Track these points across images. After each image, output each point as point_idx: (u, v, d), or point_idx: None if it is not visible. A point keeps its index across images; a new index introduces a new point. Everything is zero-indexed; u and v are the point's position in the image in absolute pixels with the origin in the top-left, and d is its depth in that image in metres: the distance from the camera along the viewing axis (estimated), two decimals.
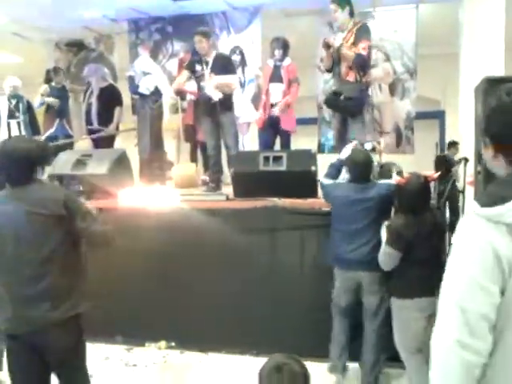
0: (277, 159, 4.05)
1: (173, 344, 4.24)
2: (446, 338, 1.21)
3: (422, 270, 2.93)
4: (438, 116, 9.38)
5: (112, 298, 4.26)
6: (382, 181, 3.40)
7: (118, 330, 4.33)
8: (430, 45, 6.72)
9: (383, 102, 6.43)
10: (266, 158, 4.11)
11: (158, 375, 3.80)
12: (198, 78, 5.06)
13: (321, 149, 6.42)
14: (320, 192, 3.76)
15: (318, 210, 4.15)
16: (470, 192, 4.07)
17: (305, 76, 5.92)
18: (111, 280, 4.26)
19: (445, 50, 7.16)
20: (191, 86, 5.57)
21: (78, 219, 2.30)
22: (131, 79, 5.88)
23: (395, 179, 3.17)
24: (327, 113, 6.41)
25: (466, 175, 4.28)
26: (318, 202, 4.20)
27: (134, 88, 5.85)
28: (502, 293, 1.18)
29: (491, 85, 2.60)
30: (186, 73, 5.16)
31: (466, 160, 4.20)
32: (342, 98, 4.48)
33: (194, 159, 6.18)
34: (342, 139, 4.61)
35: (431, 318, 2.82)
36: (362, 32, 4.50)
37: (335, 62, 4.62)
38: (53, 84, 6.48)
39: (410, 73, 6.30)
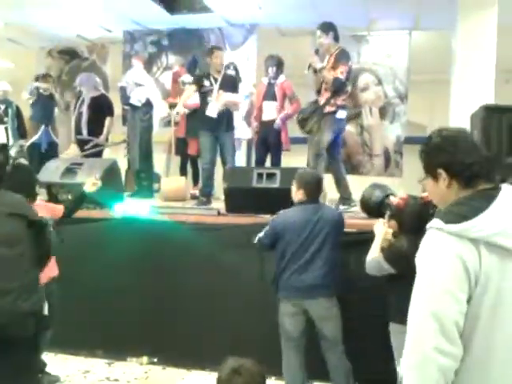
0: (270, 176, 4.04)
1: (155, 360, 4.15)
2: (424, 345, 1.28)
3: None
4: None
5: (93, 311, 4.18)
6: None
7: (99, 343, 4.23)
8: (420, 71, 6.85)
9: (373, 125, 6.51)
10: (260, 175, 4.10)
11: None
12: (205, 94, 5.10)
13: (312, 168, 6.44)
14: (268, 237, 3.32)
15: None
16: None
17: (299, 95, 5.96)
18: (93, 293, 4.18)
19: (435, 77, 7.30)
20: (192, 100, 5.54)
21: None
22: (123, 90, 5.85)
23: (393, 200, 3.14)
24: None
25: None
26: None
27: (125, 99, 5.83)
28: (468, 301, 1.30)
29: (489, 112, 2.64)
30: (192, 87, 5.25)
31: None
32: (299, 118, 4.74)
33: (183, 173, 6.14)
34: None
35: None
36: (341, 56, 4.63)
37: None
38: (40, 90, 6.39)
39: (401, 97, 6.40)
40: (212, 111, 5.00)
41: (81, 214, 4.07)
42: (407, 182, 6.28)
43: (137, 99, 5.70)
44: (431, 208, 3.56)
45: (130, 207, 4.50)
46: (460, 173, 1.41)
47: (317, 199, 3.26)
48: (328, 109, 4.57)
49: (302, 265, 3.11)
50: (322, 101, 4.64)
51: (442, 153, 1.45)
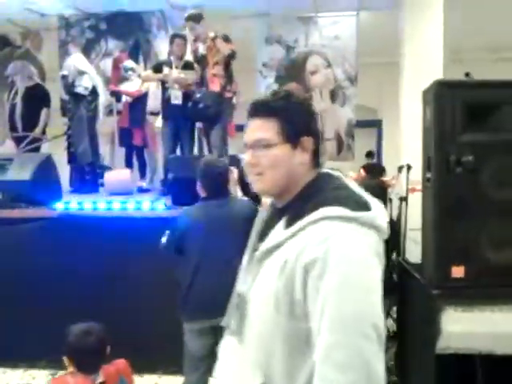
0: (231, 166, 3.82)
1: None
2: (366, 353, 1.01)
3: None
4: (376, 125, 9.55)
5: (33, 318, 3.87)
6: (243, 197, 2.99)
7: (40, 353, 3.92)
8: (369, 53, 6.78)
9: (324, 109, 6.39)
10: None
11: None
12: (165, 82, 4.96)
13: None
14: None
15: None
16: (413, 199, 4.04)
17: (246, 80, 5.75)
18: (32, 300, 3.88)
19: (383, 60, 7.26)
20: (129, 87, 5.34)
21: None
22: (65, 78, 5.48)
23: (351, 176, 3.09)
24: None
25: (408, 182, 4.24)
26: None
27: (68, 88, 5.44)
28: None
29: (441, 87, 2.52)
30: (153, 75, 5.10)
31: (409, 167, 4.17)
32: (200, 106, 4.63)
33: (129, 164, 5.82)
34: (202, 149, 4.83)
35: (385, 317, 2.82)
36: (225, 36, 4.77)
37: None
38: None
39: (351, 80, 6.31)
40: (176, 98, 4.86)
41: (12, 214, 3.75)
42: (359, 165, 6.26)
43: (83, 87, 5.36)
44: (384, 191, 3.53)
45: (69, 204, 4.20)
46: (319, 145, 1.20)
47: (222, 193, 2.76)
48: (227, 95, 4.65)
49: (212, 277, 2.54)
50: (216, 88, 4.65)
51: (312, 116, 1.21)
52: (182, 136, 4.97)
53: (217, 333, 2.52)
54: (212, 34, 4.78)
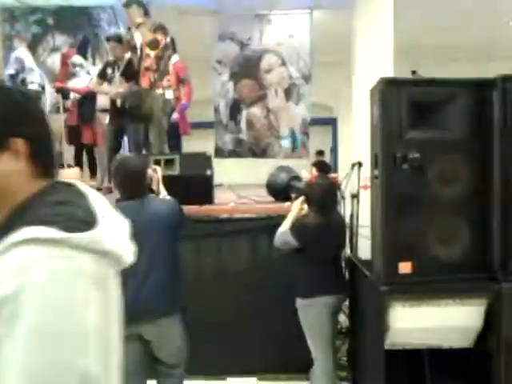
0: (169, 162, 3.74)
1: None
2: None
3: (325, 268, 3.04)
4: (331, 123, 9.65)
5: None
6: (166, 196, 2.80)
7: None
8: (323, 51, 6.82)
9: (279, 107, 6.39)
10: (157, 162, 3.78)
11: None
12: (109, 82, 4.91)
13: (218, 153, 6.21)
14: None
15: (215, 218, 3.98)
16: (364, 196, 4.08)
17: (200, 78, 5.68)
18: None
19: (338, 58, 7.32)
20: (77, 83, 5.19)
21: None
22: (12, 78, 5.26)
23: (305, 177, 3.13)
24: (224, 116, 6.24)
25: (359, 179, 4.29)
26: (216, 209, 4.00)
27: (17, 85, 5.20)
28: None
29: (387, 85, 2.54)
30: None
31: (360, 164, 4.21)
32: (127, 106, 4.60)
33: (78, 163, 5.64)
34: (138, 147, 4.74)
35: (334, 315, 3.14)
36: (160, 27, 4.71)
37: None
38: None
39: (306, 78, 6.32)
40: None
41: None
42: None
43: (37, 84, 5.17)
44: (337, 188, 3.55)
45: None
46: (46, 150, 0.99)
47: (136, 193, 2.53)
48: (157, 91, 4.56)
49: (133, 280, 2.36)
50: (145, 83, 4.61)
51: (26, 114, 0.96)
52: (127, 134, 4.90)
53: (142, 341, 2.45)
54: (140, 20, 4.70)
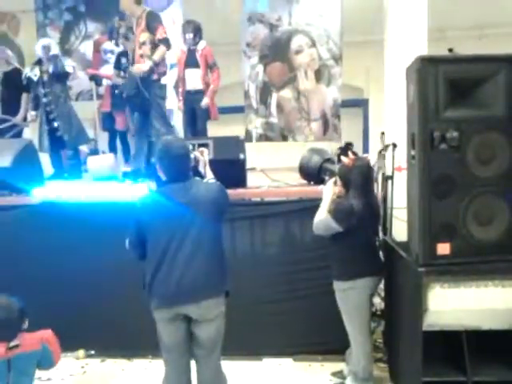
0: (202, 147, 3.75)
1: (92, 352, 3.88)
2: None
3: (366, 251, 3.03)
4: (362, 104, 9.50)
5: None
6: (209, 179, 2.75)
7: None
8: (354, 31, 6.70)
9: (310, 89, 6.32)
10: (191, 146, 3.81)
11: None
12: (123, 71, 4.99)
13: (249, 137, 6.21)
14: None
15: (248, 201, 4.00)
16: (399, 177, 4.03)
17: (231, 61, 5.68)
18: (17, 285, 3.82)
19: (368, 38, 7.19)
20: (109, 70, 5.25)
21: None
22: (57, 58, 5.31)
23: (343, 160, 3.08)
24: (254, 100, 6.22)
25: (394, 161, 4.23)
26: (249, 193, 4.02)
27: (57, 68, 5.23)
28: None
29: (425, 63, 2.49)
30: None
31: (395, 145, 4.15)
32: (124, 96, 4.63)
33: (112, 149, 5.73)
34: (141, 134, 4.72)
35: (371, 297, 3.11)
36: (154, 18, 4.54)
37: None
38: None
39: (336, 59, 6.21)
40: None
41: None
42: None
43: (71, 67, 5.27)
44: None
45: (51, 191, 4.13)
46: None
47: (184, 176, 2.53)
48: (154, 77, 4.50)
49: (179, 263, 2.42)
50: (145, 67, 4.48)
51: None
52: (131, 122, 4.99)
53: (188, 320, 2.52)
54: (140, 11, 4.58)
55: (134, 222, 2.53)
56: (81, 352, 3.85)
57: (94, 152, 5.83)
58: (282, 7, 6.01)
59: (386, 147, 4.26)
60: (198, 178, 2.69)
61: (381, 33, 5.52)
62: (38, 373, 3.57)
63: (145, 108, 4.57)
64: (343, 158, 3.11)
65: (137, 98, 4.53)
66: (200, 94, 5.21)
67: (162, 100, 4.69)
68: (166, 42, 4.52)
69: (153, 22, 4.48)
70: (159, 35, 4.43)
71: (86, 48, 6.23)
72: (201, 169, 2.81)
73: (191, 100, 5.25)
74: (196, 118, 5.26)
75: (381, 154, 4.27)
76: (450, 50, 2.88)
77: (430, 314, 2.52)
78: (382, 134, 4.13)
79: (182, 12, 6.03)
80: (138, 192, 4.04)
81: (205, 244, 2.47)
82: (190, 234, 2.44)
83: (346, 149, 7.75)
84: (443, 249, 2.54)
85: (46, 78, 5.21)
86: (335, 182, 3.18)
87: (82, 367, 3.71)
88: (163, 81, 4.82)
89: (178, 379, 2.60)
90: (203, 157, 2.90)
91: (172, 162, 2.50)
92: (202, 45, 5.24)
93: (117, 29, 5.64)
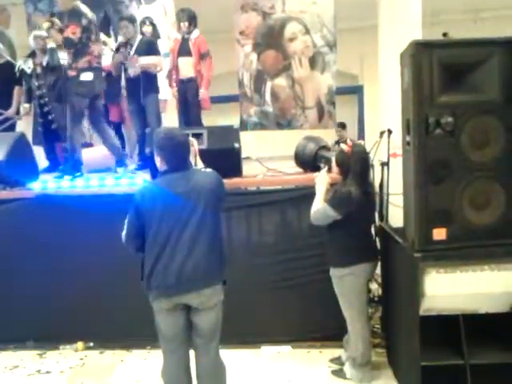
0: (197, 137, 3.73)
1: (91, 344, 3.88)
2: None
3: (362, 237, 3.05)
4: (357, 91, 9.46)
5: (19, 298, 3.83)
6: (203, 168, 2.72)
7: (28, 334, 3.90)
8: (347, 18, 6.65)
9: (304, 77, 6.28)
10: None
11: (75, 381, 3.43)
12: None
13: (243, 126, 6.18)
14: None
15: (244, 190, 3.99)
16: (394, 164, 4.02)
17: (225, 50, 5.63)
18: (17, 279, 3.83)
19: (362, 24, 7.14)
20: (107, 61, 5.21)
21: None
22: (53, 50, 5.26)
23: (344, 148, 3.05)
24: (249, 88, 6.18)
25: (389, 147, 4.22)
26: (244, 182, 4.01)
27: (53, 60, 5.18)
28: None
29: (419, 48, 2.47)
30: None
31: (390, 132, 4.14)
32: None
33: None
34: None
35: (368, 282, 3.16)
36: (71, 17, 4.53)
37: None
38: None
39: (330, 46, 6.17)
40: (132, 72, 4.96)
41: None
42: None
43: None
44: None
45: (46, 183, 4.11)
46: None
47: (183, 165, 2.53)
48: (70, 73, 4.49)
49: (180, 252, 2.43)
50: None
51: None
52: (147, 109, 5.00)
53: (187, 309, 2.52)
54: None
55: (134, 212, 2.49)
56: (80, 344, 3.85)
57: (87, 145, 5.78)
58: None
59: (381, 133, 4.25)
60: (195, 167, 2.68)
61: (374, 18, 5.49)
62: (38, 366, 3.63)
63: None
64: (342, 146, 3.09)
65: None
66: (192, 82, 5.19)
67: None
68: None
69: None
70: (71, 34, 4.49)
71: None
72: (191, 159, 2.79)
73: (184, 89, 5.22)
74: (188, 107, 5.24)
75: (377, 141, 4.25)
76: (445, 35, 2.85)
77: (426, 299, 2.53)
78: (382, 133, 4.12)
79: (173, 1, 5.97)
80: (133, 183, 4.07)
81: (205, 232, 2.48)
82: (191, 222, 2.44)
83: (344, 125, 7.71)
84: (439, 234, 2.55)
85: (39, 70, 5.18)
86: (329, 170, 3.17)
87: (81, 359, 3.72)
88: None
89: (177, 369, 2.61)
90: (193, 147, 2.90)
91: (175, 150, 2.49)
92: (195, 34, 5.22)
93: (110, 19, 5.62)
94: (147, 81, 4.97)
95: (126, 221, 2.53)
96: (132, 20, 5.17)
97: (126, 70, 5.09)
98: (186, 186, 2.47)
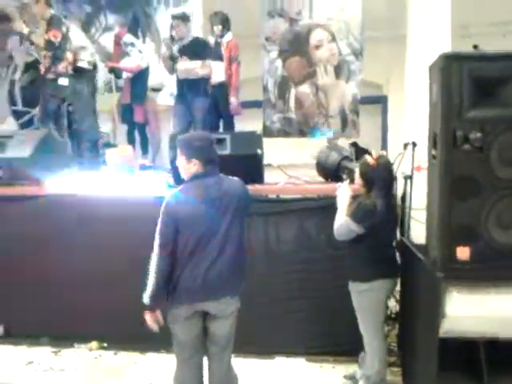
0: (220, 142, 3.72)
1: (105, 344, 3.89)
2: None
3: (384, 252, 2.99)
4: (381, 101, 9.36)
5: (36, 295, 3.86)
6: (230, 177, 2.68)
7: (43, 330, 3.93)
8: (375, 27, 6.59)
9: (329, 85, 6.23)
10: None
11: (88, 380, 3.44)
12: (174, 61, 4.96)
13: (266, 132, 6.16)
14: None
15: (265, 197, 3.96)
16: (418, 178, 3.95)
17: (250, 56, 5.63)
18: (34, 276, 3.86)
19: (390, 33, 7.06)
20: (128, 63, 5.26)
21: None
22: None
23: (369, 161, 2.99)
24: (273, 94, 6.16)
25: (413, 160, 4.15)
26: (265, 189, 3.98)
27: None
28: None
29: (449, 60, 2.41)
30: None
31: (414, 144, 4.06)
32: None
33: (131, 141, 5.74)
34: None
35: (388, 298, 3.12)
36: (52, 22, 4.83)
37: None
38: None
39: (356, 54, 6.12)
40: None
41: (12, 190, 3.73)
42: (364, 142, 6.12)
43: (86, 62, 5.27)
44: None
45: (70, 181, 4.14)
46: None
47: (215, 169, 2.55)
48: (50, 76, 4.76)
49: (206, 259, 2.43)
50: (42, 69, 4.88)
51: None
52: (194, 113, 4.93)
53: (203, 316, 2.52)
54: None
55: (168, 221, 2.43)
56: (94, 343, 3.87)
57: (108, 145, 5.83)
58: (302, 1, 5.94)
59: (405, 145, 4.17)
60: (221, 174, 2.64)
61: (403, 28, 5.42)
62: (51, 363, 3.65)
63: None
64: (367, 157, 3.03)
65: None
66: (223, 86, 5.17)
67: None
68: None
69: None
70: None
71: (106, 40, 6.23)
72: None
73: (214, 94, 5.18)
74: (219, 112, 5.22)
75: (401, 153, 4.17)
76: (475, 47, 2.79)
77: (447, 320, 2.45)
78: (406, 145, 4.04)
79: (201, 4, 5.98)
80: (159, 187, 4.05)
81: (232, 240, 2.48)
82: (220, 232, 2.45)
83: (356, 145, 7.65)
84: (463, 252, 2.47)
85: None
86: (351, 182, 3.11)
87: (95, 358, 3.74)
88: None
89: (191, 376, 2.60)
90: None
91: (209, 154, 2.52)
92: (228, 37, 5.21)
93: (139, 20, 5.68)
94: (193, 84, 4.90)
95: (160, 230, 2.46)
96: (184, 18, 5.03)
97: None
98: (219, 192, 2.48)
